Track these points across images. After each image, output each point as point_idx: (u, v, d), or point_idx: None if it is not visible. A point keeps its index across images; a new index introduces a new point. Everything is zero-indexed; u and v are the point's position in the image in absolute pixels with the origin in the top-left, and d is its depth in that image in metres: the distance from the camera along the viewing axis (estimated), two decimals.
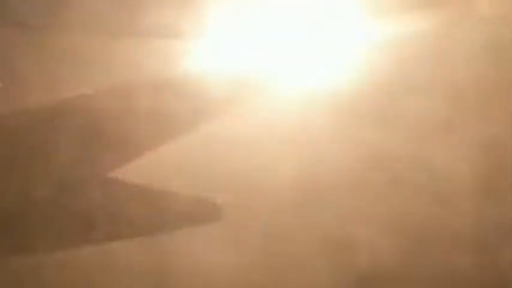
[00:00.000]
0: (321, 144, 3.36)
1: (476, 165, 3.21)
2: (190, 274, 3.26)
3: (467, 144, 3.28)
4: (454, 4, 3.56)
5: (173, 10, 3.54)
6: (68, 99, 3.43)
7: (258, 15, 3.57)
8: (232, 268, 3.20)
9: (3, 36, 3.62)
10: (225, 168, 3.36)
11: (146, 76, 3.53)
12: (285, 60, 3.53)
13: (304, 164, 3.31)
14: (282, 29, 3.51)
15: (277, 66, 3.53)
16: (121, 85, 3.53)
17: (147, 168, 3.43)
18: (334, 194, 3.26)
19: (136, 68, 3.54)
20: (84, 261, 4.11)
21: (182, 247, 4.07)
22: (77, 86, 3.44)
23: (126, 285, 3.55)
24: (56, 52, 3.56)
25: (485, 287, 3.05)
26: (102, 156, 3.42)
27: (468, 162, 3.22)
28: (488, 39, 3.39)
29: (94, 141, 3.52)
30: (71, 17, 3.47)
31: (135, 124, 3.39)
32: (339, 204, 3.22)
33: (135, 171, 3.42)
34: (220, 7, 3.54)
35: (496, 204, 3.15)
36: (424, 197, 3.17)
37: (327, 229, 3.19)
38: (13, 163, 3.35)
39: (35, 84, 3.47)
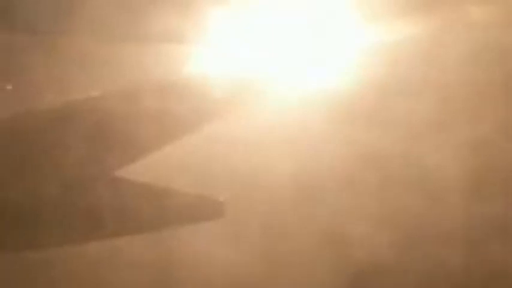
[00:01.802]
0: (317, 144, 3.41)
1: (466, 164, 3.28)
2: (192, 268, 3.32)
3: (458, 144, 3.34)
4: (445, 10, 3.62)
5: (176, 16, 3.60)
6: (76, 101, 3.47)
7: (257, 20, 3.63)
8: (233, 263, 3.25)
9: (15, 41, 3.68)
10: (227, 168, 3.40)
11: (151, 79, 3.58)
12: (283, 63, 3.58)
13: (302, 163, 3.36)
14: (280, 33, 3.57)
15: (276, 70, 3.58)
16: (127, 88, 3.57)
17: (152, 167, 3.47)
18: (330, 192, 3.31)
19: (142, 72, 3.59)
20: (91, 256, 4.16)
21: (185, 243, 4.11)
22: (85, 88, 3.49)
23: (131, 279, 3.62)
24: (65, 56, 3.61)
25: (474, 280, 3.13)
26: (109, 156, 3.47)
27: (458, 161, 3.29)
28: (477, 44, 3.45)
29: (101, 141, 3.56)
30: (79, 22, 3.53)
31: (141, 125, 3.42)
32: (335, 202, 3.28)
33: (140, 170, 3.46)
34: (221, 13, 3.60)
35: (485, 201, 3.22)
36: (416, 194, 3.23)
37: (324, 225, 3.25)
38: (23, 162, 3.39)
39: (45, 87, 3.52)
